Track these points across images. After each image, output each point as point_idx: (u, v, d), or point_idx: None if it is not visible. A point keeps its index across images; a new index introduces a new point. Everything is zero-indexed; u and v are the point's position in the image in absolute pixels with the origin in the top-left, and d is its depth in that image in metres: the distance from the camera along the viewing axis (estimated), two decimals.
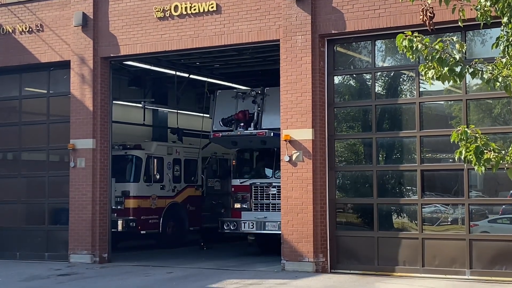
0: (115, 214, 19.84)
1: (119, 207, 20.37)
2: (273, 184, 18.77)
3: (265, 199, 19.05)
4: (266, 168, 19.89)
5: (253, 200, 19.25)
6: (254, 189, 19.26)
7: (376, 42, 15.32)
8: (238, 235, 20.86)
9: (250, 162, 21.04)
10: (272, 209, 18.77)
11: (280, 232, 15.78)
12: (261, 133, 18.45)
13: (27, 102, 20.04)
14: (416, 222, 14.66)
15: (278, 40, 15.69)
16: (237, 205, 19.54)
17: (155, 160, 21.48)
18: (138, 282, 14.44)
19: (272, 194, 18.89)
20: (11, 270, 16.92)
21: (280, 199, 16.01)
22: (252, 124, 18.87)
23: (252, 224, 18.92)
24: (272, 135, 17.99)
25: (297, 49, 15.34)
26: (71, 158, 17.95)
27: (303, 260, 15.04)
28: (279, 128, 15.80)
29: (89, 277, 15.39)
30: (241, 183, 19.60)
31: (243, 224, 19.08)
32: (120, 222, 20.11)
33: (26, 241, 19.14)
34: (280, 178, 15.96)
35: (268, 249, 19.49)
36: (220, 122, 19.38)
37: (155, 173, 21.35)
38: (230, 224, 19.36)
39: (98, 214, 17.71)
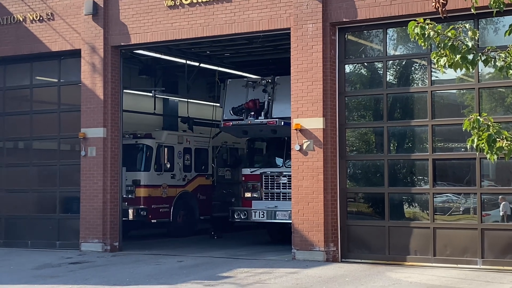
0: (126, 203, 19.89)
1: (130, 196, 20.40)
2: (284, 173, 18.72)
3: (276, 188, 19.02)
4: (276, 157, 19.84)
5: (264, 189, 19.21)
6: (264, 178, 19.22)
7: (387, 30, 15.22)
8: (248, 224, 20.84)
9: (261, 151, 21.01)
10: (282, 198, 18.74)
11: (290, 221, 15.76)
12: (271, 122, 18.39)
13: (38, 91, 20.08)
14: (427, 211, 14.60)
15: (289, 29, 15.62)
16: (248, 194, 19.51)
17: (166, 149, 21.49)
18: (149, 271, 14.46)
19: (282, 183, 18.85)
20: (23, 258, 17.00)
21: (290, 188, 15.98)
22: (262, 113, 18.81)
23: (262, 213, 18.90)
24: (282, 124, 17.94)
25: (308, 38, 15.27)
26: (82, 147, 17.98)
27: (313, 249, 15.03)
28: (290, 117, 15.76)
29: (100, 266, 15.44)
30: (251, 172, 19.57)
31: (253, 213, 19.06)
32: (131, 211, 20.15)
33: (37, 230, 19.21)
34: (290, 167, 15.92)
35: (278, 238, 19.50)
36: (231, 111, 19.33)
37: (165, 162, 21.35)
38: (241, 213, 19.35)
39: (109, 203, 17.75)
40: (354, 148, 16.08)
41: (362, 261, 14.92)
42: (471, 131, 7.86)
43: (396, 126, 15.39)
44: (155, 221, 20.97)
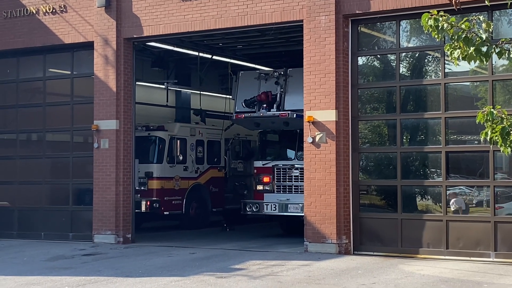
0: (139, 195, 19.93)
1: (142, 188, 20.44)
2: (296, 165, 18.71)
3: (288, 181, 19.00)
4: (288, 150, 19.82)
5: (276, 182, 19.21)
6: (276, 171, 19.21)
7: (401, 22, 15.15)
8: (261, 216, 20.86)
9: (273, 144, 21.00)
10: (294, 191, 18.72)
11: (302, 214, 15.75)
12: (283, 114, 18.36)
13: (51, 83, 20.14)
14: (440, 204, 14.56)
15: (302, 21, 15.57)
16: (260, 187, 19.50)
17: (178, 141, 21.51)
18: (162, 262, 14.51)
19: (294, 176, 18.84)
20: (36, 250, 17.09)
21: (302, 181, 15.96)
22: (274, 105, 18.78)
23: (274, 206, 18.89)
24: (295, 116, 17.91)
25: (320, 30, 15.22)
26: (95, 139, 18.04)
27: (326, 242, 15.02)
28: (302, 110, 15.73)
29: (113, 257, 15.50)
30: (263, 165, 19.55)
31: (265, 206, 19.05)
32: (143, 203, 20.19)
33: (50, 222, 19.30)
34: (303, 159, 15.91)
35: (290, 231, 19.49)
36: (243, 104, 19.31)
37: (178, 154, 21.38)
38: (253, 206, 19.35)
39: (121, 195, 17.81)
40: (367, 140, 16.04)
41: (375, 253, 14.90)
42: (485, 124, 7.82)
43: (409, 118, 15.34)
44: (167, 213, 21.01)
